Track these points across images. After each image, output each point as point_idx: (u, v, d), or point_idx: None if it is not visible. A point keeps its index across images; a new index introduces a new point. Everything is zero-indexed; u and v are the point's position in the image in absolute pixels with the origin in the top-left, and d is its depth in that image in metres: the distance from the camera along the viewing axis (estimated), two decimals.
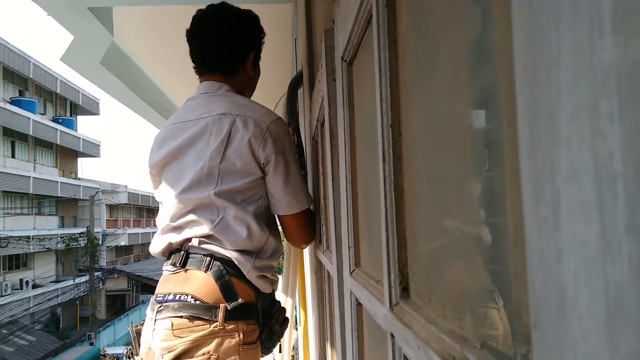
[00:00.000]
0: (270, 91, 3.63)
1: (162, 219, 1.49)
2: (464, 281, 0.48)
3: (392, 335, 0.66)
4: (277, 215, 1.52)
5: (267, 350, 1.54)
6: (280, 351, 2.42)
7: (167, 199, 1.48)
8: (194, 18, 1.55)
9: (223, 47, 1.53)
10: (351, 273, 1.05)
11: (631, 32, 0.18)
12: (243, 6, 1.62)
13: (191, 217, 1.41)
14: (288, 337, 2.54)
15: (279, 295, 2.33)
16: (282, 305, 1.62)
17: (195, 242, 1.40)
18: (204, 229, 1.39)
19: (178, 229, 1.44)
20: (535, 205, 0.26)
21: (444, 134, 0.53)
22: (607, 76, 0.20)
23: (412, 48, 0.62)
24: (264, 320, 1.47)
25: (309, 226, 1.57)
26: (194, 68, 1.58)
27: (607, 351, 0.20)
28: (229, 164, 1.38)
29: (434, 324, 0.51)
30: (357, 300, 1.01)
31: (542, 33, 0.25)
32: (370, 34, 0.78)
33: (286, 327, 1.60)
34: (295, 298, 2.51)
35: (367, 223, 0.95)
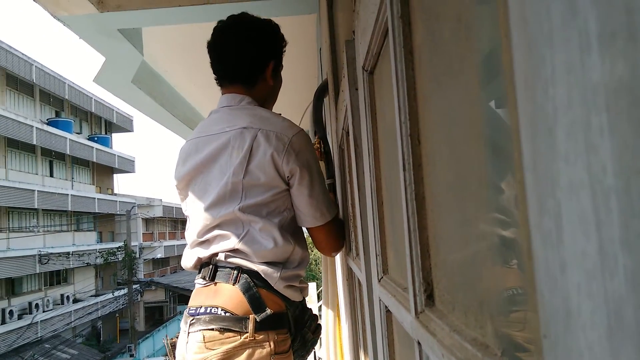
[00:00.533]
0: (297, 100, 3.67)
1: (190, 233, 1.52)
2: (485, 289, 0.49)
3: (419, 343, 0.66)
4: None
5: (302, 358, 1.55)
6: (314, 359, 2.43)
7: (194, 214, 1.51)
8: (214, 29, 1.57)
9: (242, 58, 1.54)
10: (379, 280, 1.06)
11: (615, 51, 0.19)
12: (267, 17, 1.63)
13: (217, 232, 1.43)
14: (333, 346, 2.53)
15: (314, 304, 2.34)
16: (316, 313, 1.63)
17: (222, 256, 1.42)
18: (230, 243, 1.40)
19: (205, 243, 1.46)
20: (540, 218, 0.27)
21: (462, 142, 0.53)
22: (597, 93, 0.20)
23: (427, 58, 0.62)
24: (296, 328, 1.48)
25: (336, 236, 1.57)
26: (215, 79, 1.60)
27: None
28: (252, 178, 1.39)
29: (457, 332, 0.51)
30: (386, 307, 1.01)
31: (538, 50, 0.25)
32: (388, 45, 0.79)
33: (319, 335, 1.60)
34: (336, 309, 2.51)
35: (393, 230, 0.96)
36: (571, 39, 0.22)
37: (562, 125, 0.23)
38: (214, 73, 1.59)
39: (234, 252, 1.41)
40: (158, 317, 29.29)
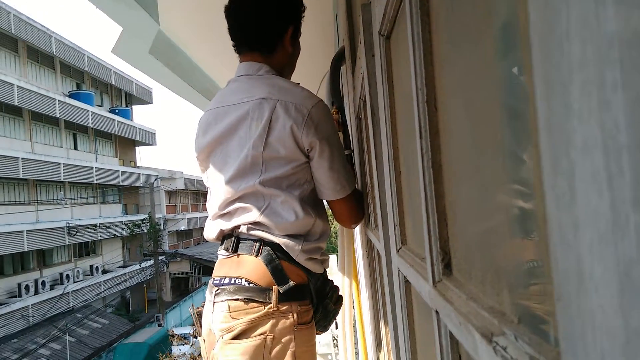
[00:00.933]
0: (313, 68, 3.62)
1: (212, 205, 1.53)
2: (501, 257, 0.48)
3: (437, 312, 0.66)
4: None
5: (324, 328, 1.57)
6: (336, 328, 2.46)
7: (215, 186, 1.51)
8: None
9: (260, 23, 1.51)
10: (398, 251, 1.06)
11: (630, 1, 0.18)
12: None
13: (238, 204, 1.43)
14: (349, 315, 2.58)
15: (336, 275, 2.36)
16: (337, 284, 1.64)
17: (244, 228, 1.43)
18: (252, 216, 1.41)
19: (227, 215, 1.47)
20: (554, 178, 0.26)
21: (479, 107, 0.52)
22: (611, 46, 0.19)
23: (444, 21, 0.61)
24: (318, 300, 1.50)
25: (356, 208, 1.57)
26: (233, 46, 1.57)
27: (620, 322, 0.20)
28: (272, 151, 1.38)
29: (474, 300, 0.51)
30: (404, 277, 1.01)
31: (554, 4, 0.24)
32: (404, 8, 0.77)
33: (341, 305, 1.62)
34: (352, 277, 2.54)
35: (410, 200, 0.95)
36: None
37: (576, 82, 0.22)
38: (231, 39, 1.56)
39: (256, 224, 1.42)
40: (184, 287, 29.95)
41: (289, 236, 1.41)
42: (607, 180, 0.20)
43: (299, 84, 1.53)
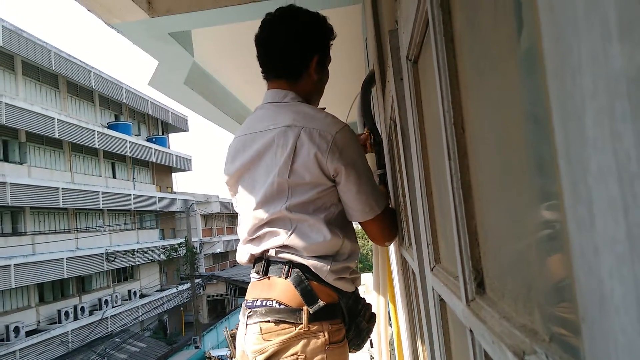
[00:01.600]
0: (344, 91, 3.66)
1: (242, 230, 1.56)
2: (533, 276, 0.49)
3: (471, 331, 0.66)
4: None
5: (357, 347, 1.57)
6: (371, 346, 2.44)
7: (244, 212, 1.55)
8: (262, 22, 1.58)
9: (285, 52, 1.54)
10: (432, 270, 1.06)
11: (634, 40, 0.19)
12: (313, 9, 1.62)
13: (267, 229, 1.46)
14: (384, 333, 2.56)
15: (371, 293, 2.35)
16: (371, 302, 1.64)
17: (273, 252, 1.45)
18: (280, 239, 1.44)
19: (256, 240, 1.50)
20: (574, 203, 0.27)
21: (505, 129, 0.53)
22: (619, 81, 0.21)
23: (468, 46, 0.62)
24: (350, 318, 1.50)
25: (388, 227, 1.57)
26: (262, 72, 1.60)
27: None
28: (297, 178, 1.40)
29: (507, 319, 0.51)
30: (439, 296, 1.01)
31: (565, 39, 0.25)
32: (429, 33, 0.79)
33: (374, 323, 1.62)
34: (387, 294, 2.52)
35: (443, 220, 0.95)
36: (594, 28, 0.22)
37: (590, 112, 0.24)
38: (260, 66, 1.60)
39: (284, 247, 1.44)
40: (220, 309, 30.11)
41: (318, 257, 1.43)
42: (623, 206, 0.21)
43: (324, 109, 1.55)
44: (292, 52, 1.55)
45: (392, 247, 2.53)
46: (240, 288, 27.35)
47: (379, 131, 2.11)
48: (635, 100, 0.20)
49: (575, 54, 0.24)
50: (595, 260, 0.25)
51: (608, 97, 0.22)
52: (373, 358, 4.09)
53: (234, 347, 1.55)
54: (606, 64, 0.21)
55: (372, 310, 1.62)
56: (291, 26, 1.55)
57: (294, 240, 1.42)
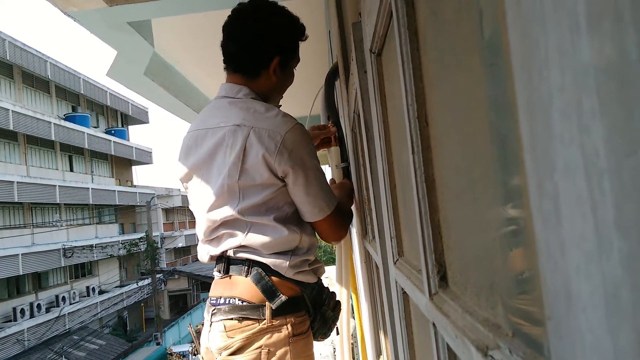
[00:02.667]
0: (307, 84, 3.64)
1: (198, 230, 1.55)
2: (496, 270, 0.49)
3: (434, 325, 0.66)
4: None
5: (324, 335, 1.59)
6: (337, 334, 2.47)
7: (198, 212, 1.53)
8: (233, 11, 1.54)
9: (248, 49, 1.50)
10: (395, 263, 1.06)
11: (603, 33, 0.19)
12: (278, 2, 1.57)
13: (222, 231, 1.46)
14: (347, 326, 2.57)
15: (334, 286, 2.36)
16: (333, 290, 1.65)
17: (231, 252, 1.45)
18: (237, 240, 1.43)
19: (214, 241, 1.50)
20: (540, 199, 0.26)
21: (468, 124, 0.53)
22: (587, 75, 0.20)
23: (431, 39, 0.62)
24: (315, 308, 1.52)
25: (338, 227, 1.56)
26: (223, 62, 1.56)
27: (609, 343, 0.21)
28: (247, 179, 1.39)
29: (470, 313, 0.51)
30: (402, 289, 1.02)
31: (532, 31, 0.25)
32: (393, 26, 0.78)
33: (339, 311, 1.63)
34: (350, 288, 2.54)
35: (406, 213, 0.96)
36: (562, 21, 0.22)
37: (557, 107, 0.23)
38: (222, 55, 1.56)
39: (242, 247, 1.44)
40: (182, 305, 29.75)
41: (277, 254, 1.43)
42: (591, 203, 0.21)
43: (280, 106, 1.52)
44: (252, 50, 1.51)
45: (355, 240, 2.54)
46: (202, 283, 27.08)
47: (343, 124, 2.11)
48: (604, 94, 0.19)
49: (542, 48, 0.24)
50: (562, 258, 0.24)
51: (576, 91, 0.21)
52: (335, 349, 4.12)
53: (199, 343, 1.55)
54: (574, 57, 0.21)
55: (337, 299, 1.63)
56: (258, 23, 1.50)
57: (251, 240, 1.42)
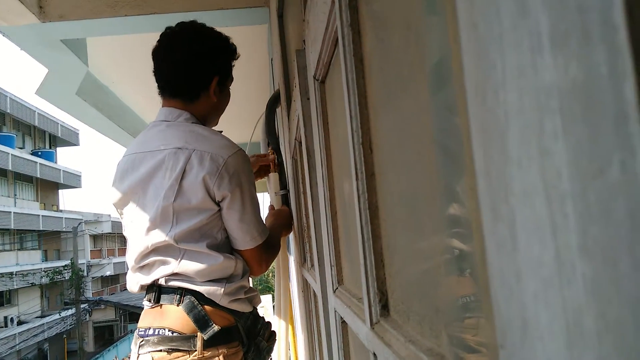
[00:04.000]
0: (248, 111, 3.63)
1: (130, 257, 1.48)
2: (439, 298, 0.48)
3: (375, 355, 0.65)
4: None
5: None
6: None
7: (131, 237, 1.47)
8: (161, 36, 1.51)
9: (183, 72, 1.48)
10: (334, 291, 1.04)
11: (568, 52, 0.18)
12: (218, 29, 1.56)
13: (154, 257, 1.41)
14: (285, 357, 2.52)
15: (273, 317, 2.31)
16: (274, 325, 1.61)
17: (163, 281, 1.40)
18: (169, 268, 1.38)
19: (145, 268, 1.44)
20: (494, 225, 0.26)
21: (414, 151, 0.53)
22: (550, 96, 0.20)
23: (377, 66, 0.62)
24: (249, 339, 1.47)
25: (265, 258, 1.54)
26: (157, 88, 1.53)
27: None
28: (183, 201, 1.36)
29: (413, 342, 0.50)
30: (341, 318, 1.00)
31: (488, 53, 0.25)
32: (338, 53, 0.79)
33: (274, 342, 1.60)
34: (288, 318, 2.49)
35: (347, 241, 0.95)
36: (522, 41, 0.21)
37: (514, 130, 0.23)
38: (156, 81, 1.52)
39: (175, 275, 1.39)
40: (108, 336, 28.31)
41: (211, 281, 1.39)
42: (551, 227, 0.20)
43: (221, 132, 1.51)
44: (191, 72, 1.48)
45: (292, 269, 2.50)
46: (131, 313, 25.92)
47: (283, 151, 2.10)
48: (568, 114, 0.19)
49: (499, 69, 0.24)
50: (517, 284, 0.24)
51: (537, 112, 0.21)
52: None
53: None
54: (535, 78, 0.20)
55: (272, 329, 1.59)
56: (192, 45, 1.48)
57: (185, 268, 1.38)
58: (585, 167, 0.18)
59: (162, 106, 1.53)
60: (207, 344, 1.34)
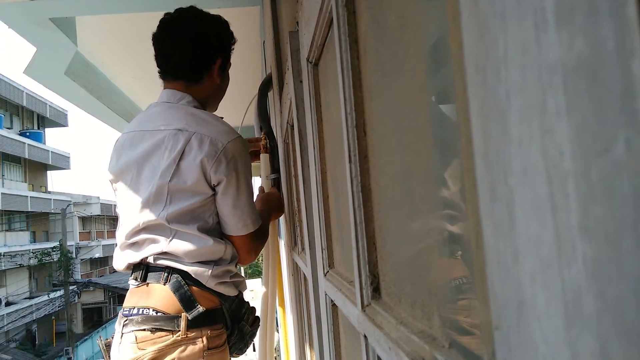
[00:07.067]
0: (240, 94, 3.60)
1: (120, 234, 1.49)
2: (431, 281, 0.48)
3: (365, 337, 0.65)
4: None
5: (240, 351, 1.57)
6: (254, 350, 2.41)
7: (124, 215, 1.48)
8: (161, 21, 1.52)
9: (187, 54, 1.49)
10: (325, 274, 1.05)
11: (574, 27, 0.18)
12: (210, 10, 1.59)
13: (145, 235, 1.41)
14: (270, 339, 2.53)
15: (260, 300, 2.32)
16: (258, 306, 1.62)
17: (151, 259, 1.40)
18: (159, 247, 1.39)
19: (135, 246, 1.44)
20: (491, 205, 0.26)
21: (408, 133, 0.53)
22: (554, 73, 0.19)
23: (373, 47, 0.61)
24: (233, 322, 1.48)
25: (255, 247, 1.54)
26: (159, 72, 1.54)
27: (567, 354, 0.20)
28: (179, 181, 1.36)
29: (404, 325, 0.50)
30: (332, 301, 1.00)
31: (489, 31, 0.24)
32: (332, 35, 0.78)
33: (257, 327, 1.62)
34: (276, 300, 2.50)
35: (338, 224, 0.95)
36: (526, 17, 0.21)
37: (515, 109, 0.22)
38: (157, 66, 1.53)
39: (164, 254, 1.40)
40: (97, 318, 28.34)
41: (200, 263, 1.40)
42: (551, 207, 0.20)
43: (222, 118, 1.51)
44: (196, 53, 1.50)
45: (283, 252, 2.51)
46: (119, 295, 25.87)
47: (275, 135, 2.09)
48: (572, 92, 0.18)
49: (501, 47, 0.23)
50: (515, 264, 0.23)
51: (539, 90, 0.20)
52: None
53: (109, 357, 1.46)
54: (539, 55, 0.20)
55: (256, 314, 1.60)
56: (195, 28, 1.50)
57: (174, 247, 1.38)
58: (588, 145, 0.18)
59: (164, 88, 1.54)
60: (191, 325, 1.35)
